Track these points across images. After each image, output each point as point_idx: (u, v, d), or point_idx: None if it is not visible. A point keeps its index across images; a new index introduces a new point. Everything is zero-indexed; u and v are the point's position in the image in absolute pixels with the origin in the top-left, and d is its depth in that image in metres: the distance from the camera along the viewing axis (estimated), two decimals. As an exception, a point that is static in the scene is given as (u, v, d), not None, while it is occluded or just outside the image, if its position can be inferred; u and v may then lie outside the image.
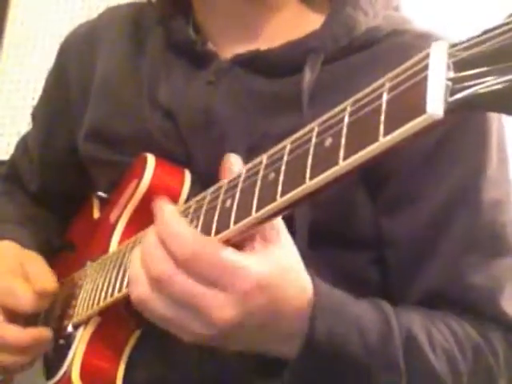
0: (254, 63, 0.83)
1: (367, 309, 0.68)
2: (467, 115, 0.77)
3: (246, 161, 0.59)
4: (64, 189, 1.07)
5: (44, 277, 0.86)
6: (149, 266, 0.59)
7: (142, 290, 0.59)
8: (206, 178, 0.70)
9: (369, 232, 0.80)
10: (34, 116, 1.10)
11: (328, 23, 0.81)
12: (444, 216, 0.78)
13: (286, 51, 0.81)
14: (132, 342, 0.80)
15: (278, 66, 0.81)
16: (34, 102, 1.12)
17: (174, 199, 0.82)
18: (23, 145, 1.12)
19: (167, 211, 0.61)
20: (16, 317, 0.84)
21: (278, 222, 0.60)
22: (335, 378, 0.66)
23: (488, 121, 0.78)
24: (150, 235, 0.61)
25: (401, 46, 0.79)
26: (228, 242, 0.57)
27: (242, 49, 0.84)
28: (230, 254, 0.56)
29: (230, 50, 0.85)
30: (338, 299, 0.66)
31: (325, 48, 0.80)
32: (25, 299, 0.83)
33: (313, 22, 0.83)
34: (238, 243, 0.58)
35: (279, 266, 0.58)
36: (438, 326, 0.72)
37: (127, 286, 0.70)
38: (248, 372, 0.68)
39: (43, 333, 0.83)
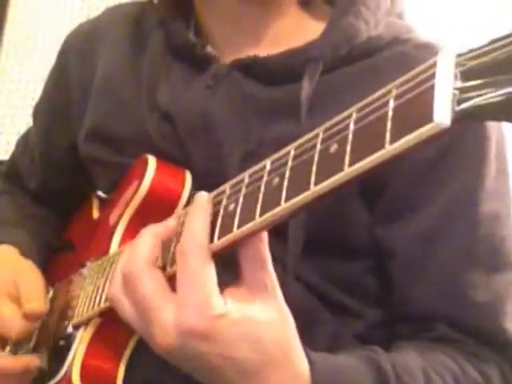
0: (253, 69, 0.82)
1: (363, 372, 0.66)
2: (465, 127, 0.76)
3: (241, 166, 0.59)
4: (64, 187, 1.07)
5: (35, 297, 0.85)
6: (124, 265, 0.60)
7: (114, 288, 0.61)
8: (203, 180, 0.71)
9: (365, 241, 0.80)
10: (35, 114, 1.11)
11: (328, 31, 0.81)
12: (442, 228, 0.77)
13: (284, 59, 0.81)
14: (132, 343, 0.80)
15: (277, 73, 0.81)
16: (34, 102, 1.12)
17: (175, 201, 0.82)
18: (23, 143, 1.12)
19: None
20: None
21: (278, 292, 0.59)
22: None
23: (487, 132, 0.78)
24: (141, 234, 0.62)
25: (402, 55, 0.79)
26: (229, 248, 0.58)
27: (241, 54, 0.84)
28: (211, 278, 0.56)
29: (230, 54, 0.85)
30: (335, 375, 0.63)
31: (324, 57, 0.79)
32: (12, 324, 0.82)
33: (313, 30, 0.83)
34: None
35: (257, 327, 0.56)
36: (438, 370, 0.71)
37: None
38: None
39: (32, 361, 0.84)
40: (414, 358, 0.71)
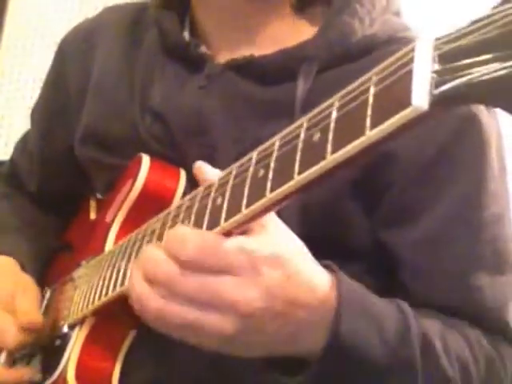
0: (247, 69, 0.82)
1: (387, 307, 0.67)
2: (464, 128, 0.76)
3: None
4: (63, 189, 1.07)
5: (31, 310, 0.86)
6: (154, 275, 0.57)
7: (155, 304, 0.57)
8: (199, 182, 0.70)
9: (364, 244, 0.79)
10: (33, 116, 1.10)
11: (323, 30, 0.80)
12: (445, 232, 0.76)
13: (279, 58, 0.80)
14: (128, 341, 0.80)
15: (272, 72, 0.80)
16: (33, 102, 1.11)
17: (169, 199, 0.82)
18: (22, 144, 1.12)
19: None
20: None
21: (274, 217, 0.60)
22: (355, 375, 0.65)
23: (486, 133, 0.77)
24: (146, 250, 0.60)
25: (396, 53, 0.78)
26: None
27: (236, 54, 0.83)
28: (232, 240, 0.56)
29: (224, 54, 0.84)
30: (360, 294, 0.65)
31: (319, 56, 0.78)
32: (8, 336, 0.83)
33: (309, 30, 0.82)
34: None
35: (288, 245, 0.59)
36: (454, 334, 0.71)
37: (121, 285, 0.71)
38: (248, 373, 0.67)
39: (26, 373, 0.84)
40: (431, 319, 0.72)
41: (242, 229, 0.57)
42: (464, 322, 0.75)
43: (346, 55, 0.79)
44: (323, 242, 0.77)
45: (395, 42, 0.80)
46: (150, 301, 0.57)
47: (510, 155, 0.82)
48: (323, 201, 0.74)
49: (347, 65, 0.79)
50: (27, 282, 0.92)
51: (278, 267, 0.56)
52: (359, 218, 0.78)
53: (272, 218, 0.59)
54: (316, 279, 0.60)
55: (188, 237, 0.56)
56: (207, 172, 0.65)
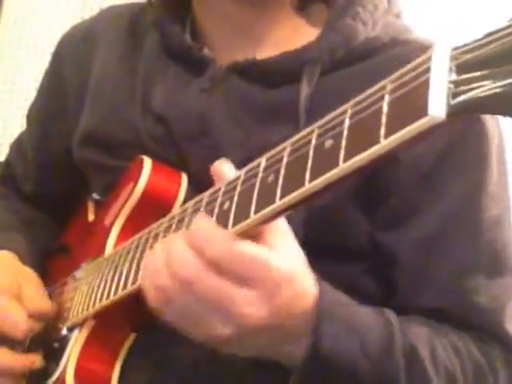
0: (251, 72, 0.82)
1: (372, 319, 0.68)
2: (466, 130, 0.76)
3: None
4: (59, 190, 1.06)
5: (39, 299, 0.86)
6: (177, 269, 0.58)
7: (175, 297, 0.59)
8: (200, 185, 0.70)
9: (365, 245, 0.79)
10: (29, 117, 1.10)
11: (325, 33, 0.80)
12: (444, 234, 0.77)
13: (283, 61, 0.80)
14: (127, 344, 0.79)
15: (275, 75, 0.81)
16: (28, 104, 1.11)
17: (170, 202, 0.82)
18: (17, 146, 1.12)
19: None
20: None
21: (283, 223, 0.60)
22: None
23: (488, 136, 0.77)
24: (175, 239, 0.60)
25: (400, 57, 0.77)
26: None
27: (238, 56, 0.83)
28: (259, 252, 0.57)
29: (228, 57, 0.84)
30: (343, 306, 0.66)
31: (322, 59, 0.79)
32: (18, 323, 0.82)
33: (311, 32, 0.82)
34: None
35: (297, 261, 0.60)
36: (443, 343, 0.72)
37: (123, 288, 0.70)
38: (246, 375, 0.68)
39: (34, 360, 0.84)
40: (420, 327, 0.72)
41: (248, 235, 0.57)
42: (454, 328, 0.75)
43: (349, 58, 0.79)
44: (324, 243, 0.77)
45: (398, 44, 0.80)
46: (158, 279, 0.59)
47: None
48: (324, 203, 0.74)
49: (350, 67, 0.79)
50: (30, 272, 0.92)
51: (290, 287, 0.58)
52: (360, 221, 0.78)
53: (285, 228, 0.60)
54: (309, 293, 0.62)
55: (214, 236, 0.57)
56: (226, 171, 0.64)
